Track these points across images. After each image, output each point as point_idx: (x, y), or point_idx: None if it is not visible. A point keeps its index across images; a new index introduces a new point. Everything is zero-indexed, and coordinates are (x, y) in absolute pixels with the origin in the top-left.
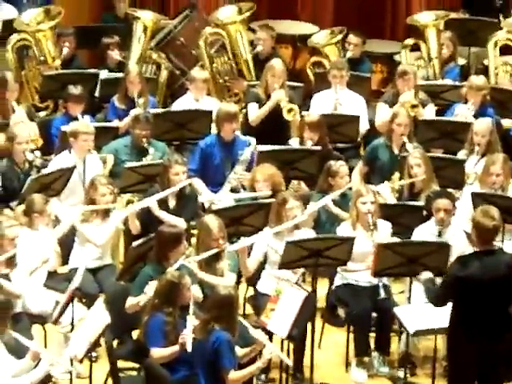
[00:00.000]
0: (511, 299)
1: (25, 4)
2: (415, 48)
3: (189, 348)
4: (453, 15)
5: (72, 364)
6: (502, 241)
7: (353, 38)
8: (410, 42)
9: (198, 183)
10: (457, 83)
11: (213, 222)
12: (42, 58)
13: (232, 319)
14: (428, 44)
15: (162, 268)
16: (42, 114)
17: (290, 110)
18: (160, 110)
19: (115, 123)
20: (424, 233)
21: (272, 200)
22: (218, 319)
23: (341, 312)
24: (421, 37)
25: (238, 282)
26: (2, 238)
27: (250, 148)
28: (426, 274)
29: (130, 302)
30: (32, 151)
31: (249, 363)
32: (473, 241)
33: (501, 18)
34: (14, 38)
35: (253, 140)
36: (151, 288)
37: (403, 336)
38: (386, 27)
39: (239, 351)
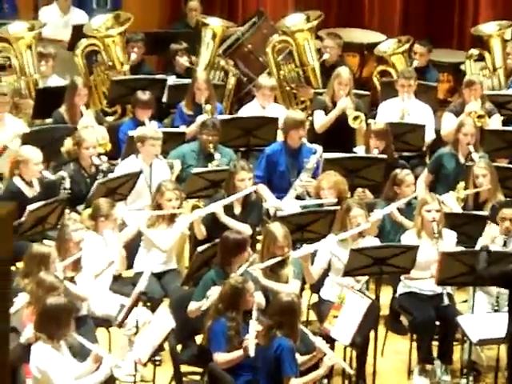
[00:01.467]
0: None
1: (95, 9)
2: (481, 58)
3: (251, 353)
4: None
5: (136, 368)
6: None
7: (419, 48)
8: (474, 52)
9: (264, 190)
10: None
11: (278, 229)
12: (110, 64)
13: (294, 326)
14: (492, 54)
15: (225, 273)
16: (110, 118)
17: (355, 118)
18: (227, 117)
19: (182, 129)
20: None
21: (337, 207)
22: (280, 326)
23: (404, 320)
24: (486, 47)
25: (302, 289)
26: (68, 241)
27: (316, 155)
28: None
29: (192, 306)
30: (99, 156)
31: (310, 370)
32: None
33: None
34: (84, 43)
35: (319, 148)
36: (213, 293)
37: (466, 345)
38: (454, 36)
39: (299, 358)
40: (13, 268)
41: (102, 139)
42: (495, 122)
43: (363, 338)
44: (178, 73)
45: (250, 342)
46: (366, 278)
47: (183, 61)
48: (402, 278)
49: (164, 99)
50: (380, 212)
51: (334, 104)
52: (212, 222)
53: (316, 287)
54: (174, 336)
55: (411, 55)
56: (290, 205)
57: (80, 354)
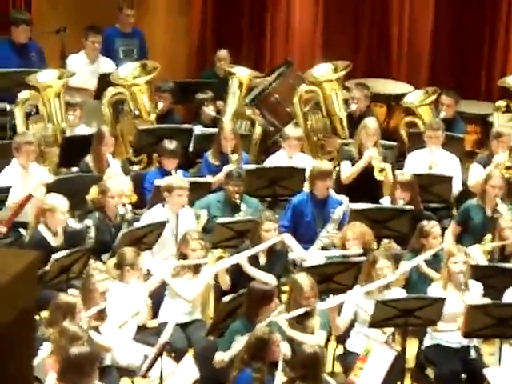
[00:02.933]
0: None
1: (122, 59)
2: (509, 110)
3: None
4: None
5: None
6: None
7: (445, 99)
8: (501, 103)
9: (290, 240)
10: None
11: (304, 280)
12: (137, 112)
13: (317, 378)
14: None
15: (251, 324)
16: (136, 167)
17: (381, 170)
18: (253, 167)
19: (208, 179)
20: None
21: (363, 259)
22: (303, 378)
23: (430, 372)
24: None
25: (328, 340)
26: (93, 291)
27: (343, 207)
28: None
29: (218, 357)
30: (123, 205)
31: None
32: None
33: None
34: (111, 91)
35: (345, 199)
36: (238, 344)
37: None
38: (481, 88)
39: None
40: (37, 317)
41: (127, 190)
42: None
43: None
44: (205, 122)
45: None
46: (392, 329)
47: (209, 110)
48: (428, 329)
49: (190, 149)
50: (407, 265)
51: (361, 154)
52: (237, 272)
53: (342, 338)
54: None
55: (438, 106)
56: (315, 255)
57: None
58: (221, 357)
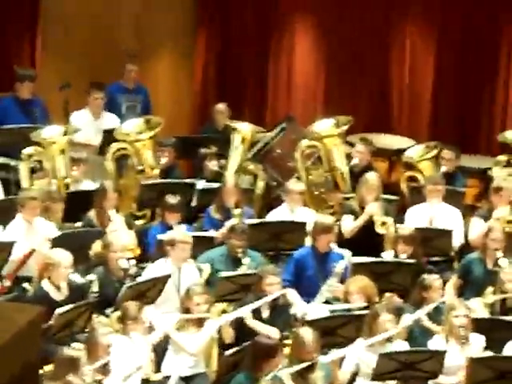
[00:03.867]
0: None
1: (125, 114)
2: (509, 164)
3: None
4: None
5: None
6: None
7: (446, 153)
8: (502, 158)
9: (292, 294)
10: None
11: (307, 334)
12: (140, 168)
13: None
14: None
15: (254, 378)
16: (139, 222)
17: (382, 224)
18: (256, 221)
19: (211, 233)
20: None
21: (365, 312)
22: None
23: None
24: None
25: None
26: (97, 345)
27: (345, 261)
28: None
29: None
30: (127, 259)
31: None
32: None
33: None
34: (114, 147)
35: (347, 253)
36: None
37: None
38: (481, 142)
39: None
40: (40, 371)
41: (131, 244)
42: None
43: None
44: (207, 177)
45: None
46: (394, 382)
47: (212, 165)
48: (430, 383)
49: (193, 203)
50: (409, 318)
51: (363, 209)
52: (240, 325)
53: None
54: None
55: (439, 161)
56: (317, 309)
57: None
58: None
